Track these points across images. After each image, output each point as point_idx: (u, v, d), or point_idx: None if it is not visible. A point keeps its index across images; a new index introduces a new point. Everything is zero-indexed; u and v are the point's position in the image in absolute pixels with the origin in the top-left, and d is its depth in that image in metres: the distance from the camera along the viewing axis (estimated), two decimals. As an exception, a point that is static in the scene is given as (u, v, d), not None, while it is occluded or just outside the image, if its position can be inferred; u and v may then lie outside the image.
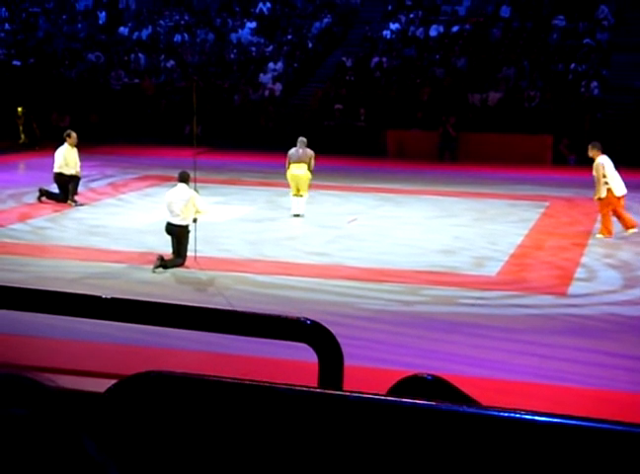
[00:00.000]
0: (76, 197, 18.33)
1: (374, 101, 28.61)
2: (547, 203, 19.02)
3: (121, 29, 35.38)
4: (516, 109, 27.65)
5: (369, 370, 8.40)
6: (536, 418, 1.58)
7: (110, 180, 21.65)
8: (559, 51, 29.76)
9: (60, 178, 18.30)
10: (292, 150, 17.34)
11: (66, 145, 18.44)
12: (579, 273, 13.44)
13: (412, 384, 2.03)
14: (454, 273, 13.28)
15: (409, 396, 1.71)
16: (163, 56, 33.24)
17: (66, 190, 18.21)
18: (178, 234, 13.20)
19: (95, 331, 9.00)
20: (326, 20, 33.88)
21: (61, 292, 3.36)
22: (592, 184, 16.13)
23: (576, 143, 26.03)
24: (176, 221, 13.21)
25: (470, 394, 2.04)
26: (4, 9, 36.72)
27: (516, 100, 28.04)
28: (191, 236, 13.24)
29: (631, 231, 15.74)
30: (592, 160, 16.13)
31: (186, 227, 13.23)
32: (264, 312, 3.12)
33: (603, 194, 15.70)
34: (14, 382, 1.07)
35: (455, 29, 31.80)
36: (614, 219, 15.90)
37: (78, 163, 18.50)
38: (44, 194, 18.34)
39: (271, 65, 31.69)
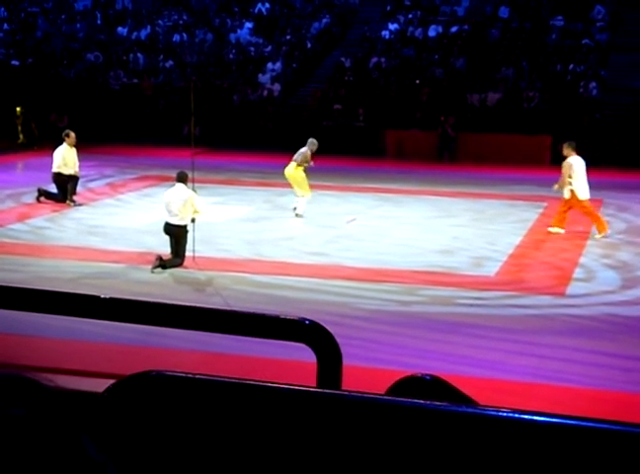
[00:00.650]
0: (75, 197, 18.32)
1: (373, 101, 28.62)
2: (546, 204, 19.02)
3: (120, 29, 35.37)
4: (514, 109, 27.67)
5: (368, 370, 8.40)
6: (534, 418, 1.58)
7: (108, 180, 21.65)
8: (558, 52, 29.78)
9: (59, 178, 18.30)
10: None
11: (65, 145, 18.43)
12: (577, 273, 13.45)
13: (410, 384, 2.03)
14: (453, 273, 13.29)
15: (408, 396, 1.72)
16: (162, 56, 33.24)
17: (65, 190, 18.20)
18: (176, 234, 13.20)
19: (93, 331, 9.00)
20: (325, 20, 33.89)
21: (60, 292, 3.36)
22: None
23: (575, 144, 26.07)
24: (174, 221, 13.21)
25: (468, 394, 2.05)
26: (3, 9, 36.70)
27: (514, 100, 28.06)
28: (189, 236, 13.24)
29: (601, 235, 15.68)
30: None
31: (184, 227, 13.23)
32: (262, 312, 3.13)
33: (567, 195, 15.75)
34: (13, 382, 1.08)
35: (454, 29, 31.81)
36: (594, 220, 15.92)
37: (77, 163, 18.49)
38: (43, 194, 18.33)
39: (269, 65, 31.69)
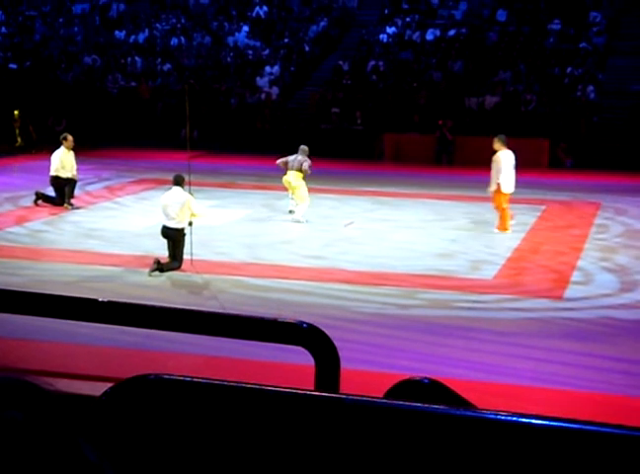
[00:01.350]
0: (72, 201, 18.31)
1: (371, 104, 28.64)
2: (544, 207, 19.03)
3: (118, 32, 35.38)
4: (512, 112, 27.67)
5: (366, 374, 8.39)
6: (532, 421, 1.58)
7: (106, 183, 21.63)
8: (555, 55, 29.79)
9: (57, 181, 18.29)
10: (291, 157, 17.42)
11: (63, 148, 18.42)
12: (575, 276, 13.45)
13: (408, 387, 2.03)
14: (451, 276, 13.29)
15: (405, 399, 1.72)
16: (159, 60, 33.24)
17: (63, 193, 18.19)
18: (174, 237, 13.19)
19: (92, 334, 8.98)
20: (322, 23, 33.91)
21: (58, 296, 3.36)
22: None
23: (572, 147, 26.10)
24: (171, 224, 13.20)
25: (466, 397, 2.05)
26: (1, 12, 36.70)
27: (512, 103, 28.07)
28: (187, 239, 13.23)
29: (498, 231, 16.09)
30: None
31: (181, 230, 13.22)
32: (261, 315, 3.13)
33: (493, 187, 16.06)
34: (11, 385, 1.08)
35: (452, 32, 31.84)
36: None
37: (74, 166, 18.48)
38: (41, 197, 18.33)
39: (267, 69, 31.70)
